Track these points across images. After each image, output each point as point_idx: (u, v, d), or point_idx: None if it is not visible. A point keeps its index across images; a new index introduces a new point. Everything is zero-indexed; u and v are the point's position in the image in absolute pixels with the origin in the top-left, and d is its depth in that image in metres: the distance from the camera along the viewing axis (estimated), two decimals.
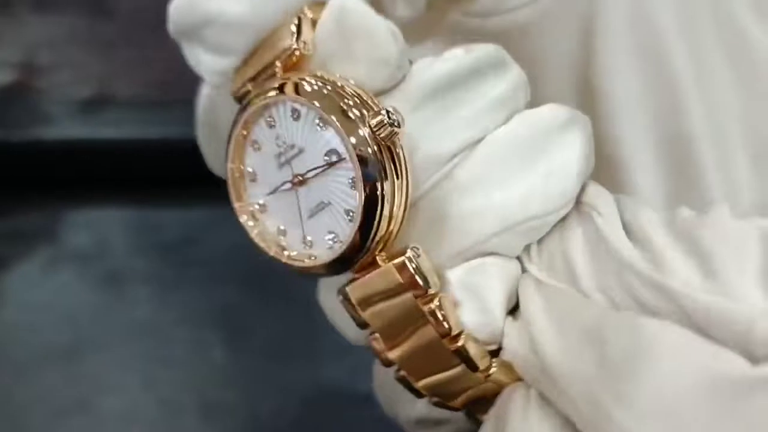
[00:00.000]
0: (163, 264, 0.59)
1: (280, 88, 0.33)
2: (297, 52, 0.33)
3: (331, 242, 0.33)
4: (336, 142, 0.32)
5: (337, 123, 0.32)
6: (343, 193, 0.33)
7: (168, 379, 0.49)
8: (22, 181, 0.60)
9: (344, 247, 0.33)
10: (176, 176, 0.59)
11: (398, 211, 0.32)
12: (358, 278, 0.33)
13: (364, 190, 0.32)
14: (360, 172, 0.32)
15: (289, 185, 0.33)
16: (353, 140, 0.32)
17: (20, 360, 0.54)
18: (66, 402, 0.52)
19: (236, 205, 0.35)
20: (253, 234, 0.35)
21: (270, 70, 0.33)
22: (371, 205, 0.32)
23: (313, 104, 0.32)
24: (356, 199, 0.32)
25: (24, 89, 0.61)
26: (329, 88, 0.32)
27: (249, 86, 0.34)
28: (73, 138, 0.60)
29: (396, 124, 0.31)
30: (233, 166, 0.34)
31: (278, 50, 0.33)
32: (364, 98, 0.32)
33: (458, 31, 0.37)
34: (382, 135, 0.31)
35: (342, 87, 0.32)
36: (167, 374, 0.50)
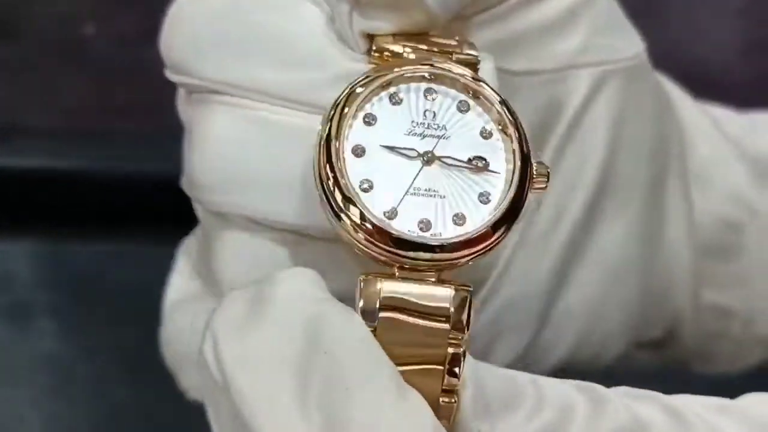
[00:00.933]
0: (69, 298, 0.58)
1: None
2: None
3: (418, 230, 0.35)
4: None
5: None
6: (466, 195, 0.35)
7: (70, 415, 0.48)
8: None
9: (471, 235, 0.35)
10: (83, 209, 0.58)
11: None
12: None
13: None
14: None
15: (415, 153, 0.35)
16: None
17: None
18: None
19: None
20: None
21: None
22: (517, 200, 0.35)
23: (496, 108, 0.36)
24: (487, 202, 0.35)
25: None
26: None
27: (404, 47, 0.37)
28: None
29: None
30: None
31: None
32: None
33: None
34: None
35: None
36: (70, 411, 0.49)
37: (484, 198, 0.36)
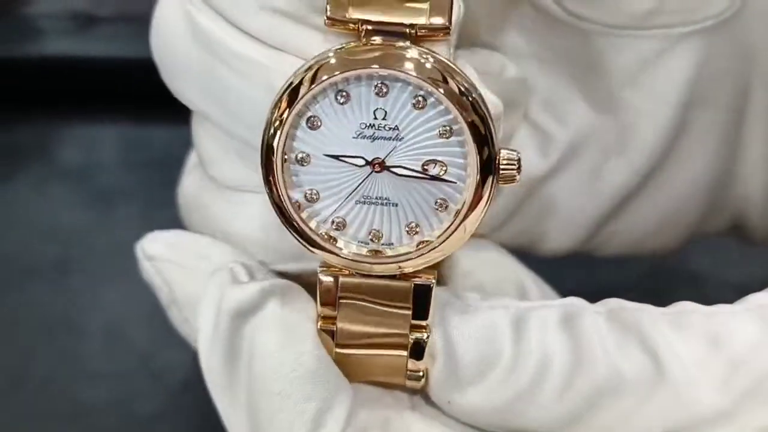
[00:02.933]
0: (152, 182, 0.60)
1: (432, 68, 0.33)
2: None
3: (369, 240, 0.34)
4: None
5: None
6: (422, 202, 0.33)
7: (150, 296, 0.50)
8: (12, 97, 0.60)
9: (422, 237, 0.34)
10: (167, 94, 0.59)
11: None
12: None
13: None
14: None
15: (363, 161, 0.33)
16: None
17: (6, 276, 0.55)
18: (51, 318, 0.52)
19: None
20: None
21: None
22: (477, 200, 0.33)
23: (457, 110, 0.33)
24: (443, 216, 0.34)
25: (12, 4, 0.60)
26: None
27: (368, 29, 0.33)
28: (61, 54, 0.60)
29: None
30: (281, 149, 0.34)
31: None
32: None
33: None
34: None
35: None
36: (151, 293, 0.51)
37: (440, 206, 0.34)
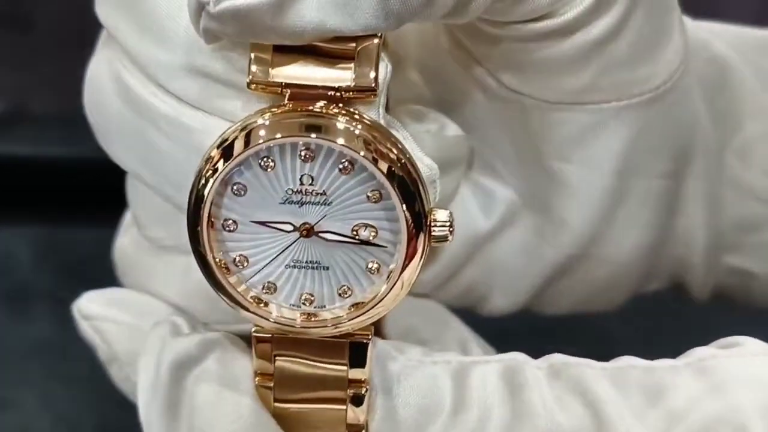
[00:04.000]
0: (68, 283, 0.59)
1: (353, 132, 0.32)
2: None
3: (301, 303, 0.33)
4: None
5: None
6: (353, 265, 0.33)
7: (66, 397, 0.48)
8: None
9: (356, 300, 0.33)
10: (84, 194, 0.59)
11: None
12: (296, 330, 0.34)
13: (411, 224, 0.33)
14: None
15: (291, 227, 0.33)
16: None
17: None
18: None
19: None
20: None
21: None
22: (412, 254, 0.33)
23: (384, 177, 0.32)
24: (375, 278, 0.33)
25: None
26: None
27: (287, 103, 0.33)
28: None
29: None
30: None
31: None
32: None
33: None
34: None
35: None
36: (67, 394, 0.50)
37: (372, 269, 0.34)
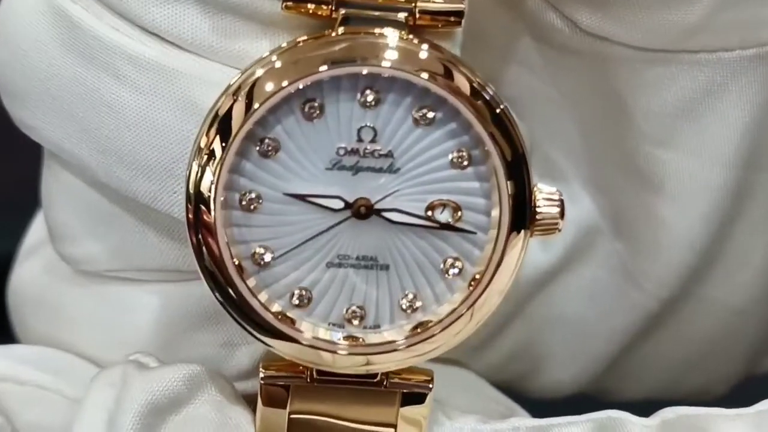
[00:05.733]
0: None
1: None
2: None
3: (345, 321, 0.26)
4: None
5: None
6: (424, 264, 0.25)
7: None
8: None
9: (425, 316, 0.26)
10: None
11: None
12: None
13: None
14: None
15: (341, 203, 0.25)
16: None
17: None
18: None
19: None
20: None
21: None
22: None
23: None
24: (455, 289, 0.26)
25: None
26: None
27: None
28: None
29: None
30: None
31: None
32: None
33: None
34: None
35: None
36: None
37: (451, 269, 0.26)
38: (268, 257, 0.25)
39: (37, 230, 0.33)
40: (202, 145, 0.25)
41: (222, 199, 0.25)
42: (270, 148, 0.25)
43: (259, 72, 0.25)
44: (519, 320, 0.33)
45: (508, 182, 0.25)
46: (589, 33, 0.29)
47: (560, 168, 0.32)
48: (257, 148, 0.25)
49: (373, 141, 0.25)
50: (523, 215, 0.25)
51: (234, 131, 0.25)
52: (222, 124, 0.25)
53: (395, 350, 0.25)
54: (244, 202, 0.25)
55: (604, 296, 0.33)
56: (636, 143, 0.30)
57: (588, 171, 0.32)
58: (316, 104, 0.25)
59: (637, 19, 0.29)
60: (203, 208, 0.25)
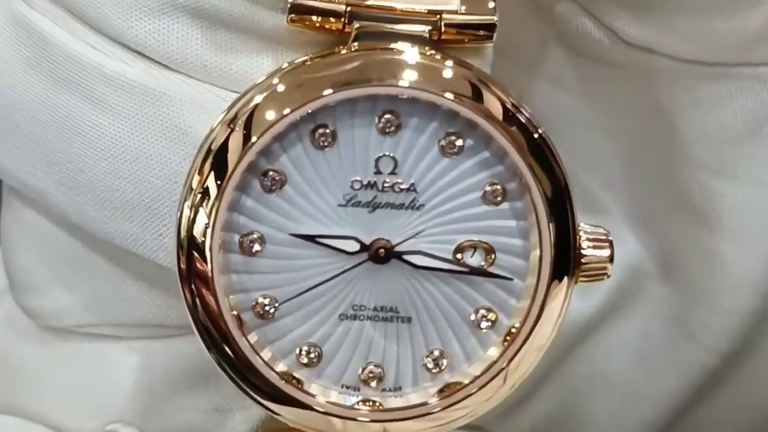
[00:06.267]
0: None
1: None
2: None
3: (361, 382, 0.23)
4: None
5: None
6: (450, 315, 0.23)
7: None
8: None
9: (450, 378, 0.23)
10: None
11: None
12: None
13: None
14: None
15: (357, 245, 0.22)
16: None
17: None
18: None
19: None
20: None
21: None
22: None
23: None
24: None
25: None
26: None
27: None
28: None
29: None
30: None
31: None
32: None
33: None
34: None
35: None
36: None
37: (483, 321, 0.23)
38: (271, 308, 0.23)
39: None
40: (195, 184, 0.22)
41: (219, 242, 0.22)
42: (274, 181, 0.22)
43: (259, 97, 0.22)
44: (554, 380, 0.30)
45: (552, 218, 0.22)
46: (632, 44, 0.26)
47: (600, 202, 0.29)
48: (260, 182, 0.22)
49: (393, 173, 0.23)
50: (566, 259, 0.22)
51: (231, 167, 0.22)
52: (217, 159, 0.22)
53: (418, 416, 0.22)
54: (244, 245, 0.22)
55: (654, 351, 0.30)
56: (688, 172, 0.27)
57: (631, 205, 0.29)
58: (327, 131, 0.22)
59: (688, 27, 0.26)
60: (197, 255, 0.22)
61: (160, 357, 0.26)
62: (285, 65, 0.24)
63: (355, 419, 0.23)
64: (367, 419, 0.23)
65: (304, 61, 0.23)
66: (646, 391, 0.30)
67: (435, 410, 0.23)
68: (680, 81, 0.27)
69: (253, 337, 0.23)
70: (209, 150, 0.23)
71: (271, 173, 0.22)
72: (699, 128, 0.27)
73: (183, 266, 0.23)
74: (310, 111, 0.22)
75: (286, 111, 0.22)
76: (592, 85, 0.28)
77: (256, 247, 0.23)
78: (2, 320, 0.29)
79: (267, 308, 0.23)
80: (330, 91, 0.22)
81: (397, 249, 0.22)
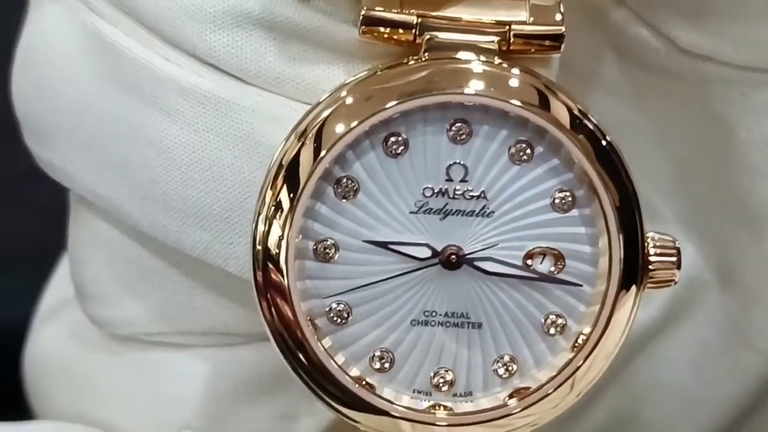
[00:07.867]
0: None
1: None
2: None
3: (432, 387, 0.23)
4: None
5: None
6: (521, 321, 0.23)
7: None
8: None
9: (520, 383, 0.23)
10: None
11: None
12: None
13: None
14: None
15: (428, 252, 0.23)
16: None
17: None
18: None
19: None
20: None
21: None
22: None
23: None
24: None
25: None
26: None
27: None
28: None
29: None
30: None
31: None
32: None
33: None
34: None
35: None
36: None
37: (552, 327, 0.23)
38: (345, 314, 0.23)
39: (57, 289, 0.30)
40: (268, 198, 0.22)
41: (294, 249, 0.22)
42: (348, 189, 0.22)
43: (328, 111, 0.22)
44: (613, 388, 0.30)
45: (620, 226, 0.22)
46: (689, 52, 0.26)
47: (657, 210, 0.29)
48: (333, 189, 0.22)
49: (463, 180, 0.23)
50: (635, 266, 0.22)
51: (303, 180, 0.22)
52: (288, 173, 0.22)
53: (488, 421, 0.23)
54: (319, 251, 0.22)
55: (712, 359, 0.30)
56: (747, 179, 0.27)
57: (687, 213, 0.29)
58: (400, 139, 0.22)
59: (745, 34, 0.26)
60: (272, 267, 0.22)
61: (226, 365, 0.26)
62: (351, 78, 0.23)
63: (434, 424, 0.22)
64: (445, 423, 0.23)
65: (373, 73, 0.23)
66: (703, 399, 0.30)
67: (505, 415, 0.23)
68: (737, 88, 0.27)
69: (327, 342, 0.23)
70: (281, 165, 0.23)
71: (344, 181, 0.22)
72: (758, 136, 0.27)
73: (260, 279, 0.23)
74: (379, 120, 0.22)
75: (354, 123, 0.22)
76: (647, 95, 0.28)
77: (331, 253, 0.23)
78: (69, 330, 0.29)
79: (341, 314, 0.23)
80: (398, 101, 0.22)
81: (468, 255, 0.22)
